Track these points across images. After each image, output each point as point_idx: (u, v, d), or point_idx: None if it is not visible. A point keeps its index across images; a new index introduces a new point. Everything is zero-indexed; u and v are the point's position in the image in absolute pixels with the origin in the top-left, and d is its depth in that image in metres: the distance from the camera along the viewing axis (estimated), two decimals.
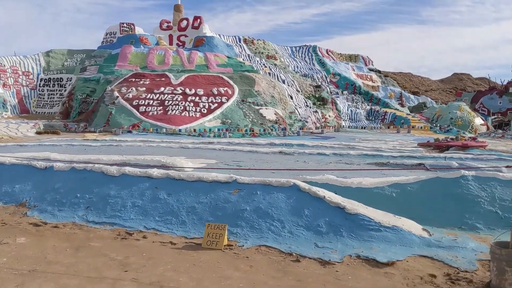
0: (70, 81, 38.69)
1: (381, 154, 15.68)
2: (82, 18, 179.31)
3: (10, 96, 36.58)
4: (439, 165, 11.53)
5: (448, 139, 24.27)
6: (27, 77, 38.78)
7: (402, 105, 49.85)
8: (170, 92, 33.66)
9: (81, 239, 6.00)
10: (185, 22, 45.56)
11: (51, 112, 37.19)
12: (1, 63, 37.40)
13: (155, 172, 7.36)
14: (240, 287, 4.53)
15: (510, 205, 6.45)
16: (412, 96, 52.61)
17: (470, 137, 27.42)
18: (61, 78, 39.17)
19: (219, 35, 47.61)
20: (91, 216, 6.78)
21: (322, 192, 6.45)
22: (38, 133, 28.26)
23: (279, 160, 13.78)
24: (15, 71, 38.09)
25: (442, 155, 15.29)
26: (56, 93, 38.48)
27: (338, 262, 5.18)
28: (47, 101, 38.26)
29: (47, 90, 38.80)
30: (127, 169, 7.54)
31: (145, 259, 5.25)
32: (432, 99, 55.00)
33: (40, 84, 39.12)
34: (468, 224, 6.38)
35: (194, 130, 29.32)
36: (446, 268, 5.03)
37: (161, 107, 32.16)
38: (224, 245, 5.70)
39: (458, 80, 65.19)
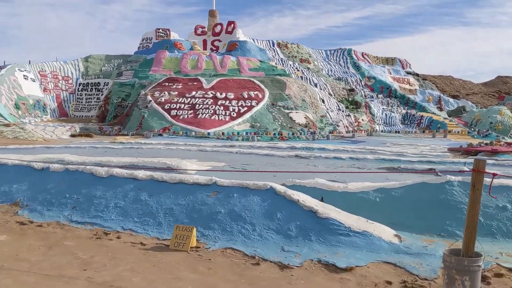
0: (107, 85, 39.87)
1: (400, 159, 15.33)
2: (127, 25, 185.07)
3: (50, 100, 38.11)
4: (450, 170, 11.19)
5: (481, 144, 23.51)
6: (66, 82, 40.30)
7: (441, 109, 48.54)
8: (201, 96, 34.16)
9: (58, 238, 6.20)
10: (219, 27, 46.09)
11: (89, 116, 38.44)
12: (42, 69, 39.05)
13: (141, 174, 7.51)
14: None
15: (493, 212, 6.17)
16: (451, 100, 51.13)
17: (506, 143, 26.42)
18: (98, 82, 40.45)
19: (253, 40, 47.89)
20: (75, 216, 6.99)
21: (296, 195, 6.39)
22: (72, 136, 29.29)
23: (289, 164, 13.71)
24: (55, 76, 39.67)
25: (462, 160, 14.80)
26: (94, 97, 39.75)
27: (297, 267, 5.12)
28: (85, 105, 39.60)
29: (85, 94, 40.15)
30: (115, 171, 7.73)
31: (108, 259, 5.36)
32: (473, 103, 53.26)
33: (78, 88, 40.56)
34: (448, 231, 6.15)
35: (223, 134, 29.62)
36: (406, 275, 4.88)
37: (192, 111, 32.69)
38: (192, 247, 5.75)
39: (503, 83, 62.79)
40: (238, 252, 5.60)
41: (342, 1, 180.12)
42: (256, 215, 6.24)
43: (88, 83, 40.67)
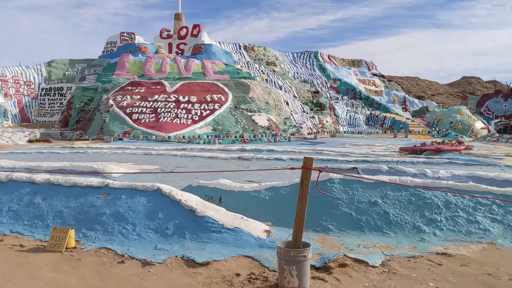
0: (70, 90, 39.61)
1: (337, 159, 15.71)
2: (103, 28, 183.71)
3: (11, 106, 37.68)
4: (370, 169, 11.56)
5: (434, 143, 24.13)
6: (28, 87, 39.90)
7: (406, 110, 49.45)
8: (163, 99, 34.19)
9: None
10: (184, 30, 46.19)
11: (52, 121, 38.13)
12: (3, 74, 38.57)
13: (39, 177, 7.62)
14: (39, 287, 4.74)
15: (364, 207, 6.47)
16: (416, 101, 52.12)
17: (457, 142, 27.14)
18: (61, 87, 40.16)
19: (219, 43, 48.12)
20: None
21: (180, 195, 6.59)
22: (30, 141, 29.00)
23: (225, 166, 13.97)
24: (16, 81, 39.23)
25: (395, 159, 15.25)
26: (57, 102, 39.44)
27: (159, 263, 5.30)
28: (47, 110, 39.25)
29: (48, 99, 39.82)
30: (15, 175, 7.83)
31: None
32: (438, 103, 54.36)
33: (41, 93, 40.20)
34: (322, 226, 6.43)
35: (183, 137, 29.68)
36: (258, 268, 5.11)
37: (154, 115, 32.69)
38: (69, 248, 5.87)
39: (467, 83, 64.23)
40: (111, 252, 5.76)
41: (317, 4, 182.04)
42: (139, 216, 6.42)
43: (51, 88, 40.34)
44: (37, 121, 38.32)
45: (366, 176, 6.77)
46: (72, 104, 37.69)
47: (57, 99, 39.58)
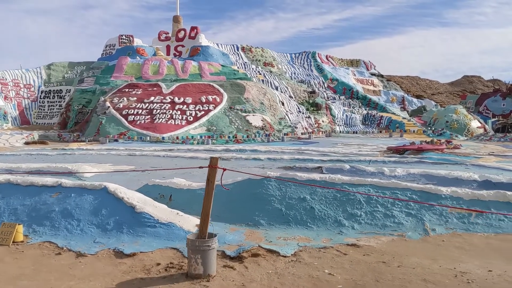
0: (69, 92, 40.31)
1: (313, 158, 16.15)
2: (108, 30, 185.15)
3: (11, 109, 38.44)
4: (333, 168, 12.00)
5: (422, 143, 24.49)
6: (28, 90, 40.67)
7: (404, 109, 49.63)
8: (159, 101, 34.72)
9: None
10: (182, 32, 46.76)
11: (51, 123, 38.84)
12: (2, 77, 39.36)
13: (0, 178, 8.17)
14: None
15: (294, 203, 6.90)
16: (415, 100, 52.28)
17: (446, 141, 27.43)
18: (60, 90, 40.86)
19: (217, 45, 48.62)
20: None
21: (123, 193, 7.08)
22: (26, 143, 29.67)
23: (200, 164, 14.46)
24: (16, 84, 40.02)
25: (368, 159, 15.66)
26: (56, 105, 40.17)
27: (91, 255, 5.78)
28: (47, 112, 39.99)
29: (47, 101, 40.56)
30: None
31: None
32: (437, 102, 54.47)
33: (40, 96, 40.94)
34: (254, 221, 6.88)
35: (177, 138, 30.21)
36: (179, 258, 5.56)
37: (149, 116, 33.24)
38: (16, 242, 6.37)
39: (468, 82, 64.22)
40: (53, 245, 6.26)
41: (322, 4, 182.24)
42: (84, 212, 6.92)
43: (50, 90, 41.08)
44: (37, 123, 39.07)
45: (280, 178, 7.20)
46: (71, 106, 38.39)
47: (56, 101, 40.31)
